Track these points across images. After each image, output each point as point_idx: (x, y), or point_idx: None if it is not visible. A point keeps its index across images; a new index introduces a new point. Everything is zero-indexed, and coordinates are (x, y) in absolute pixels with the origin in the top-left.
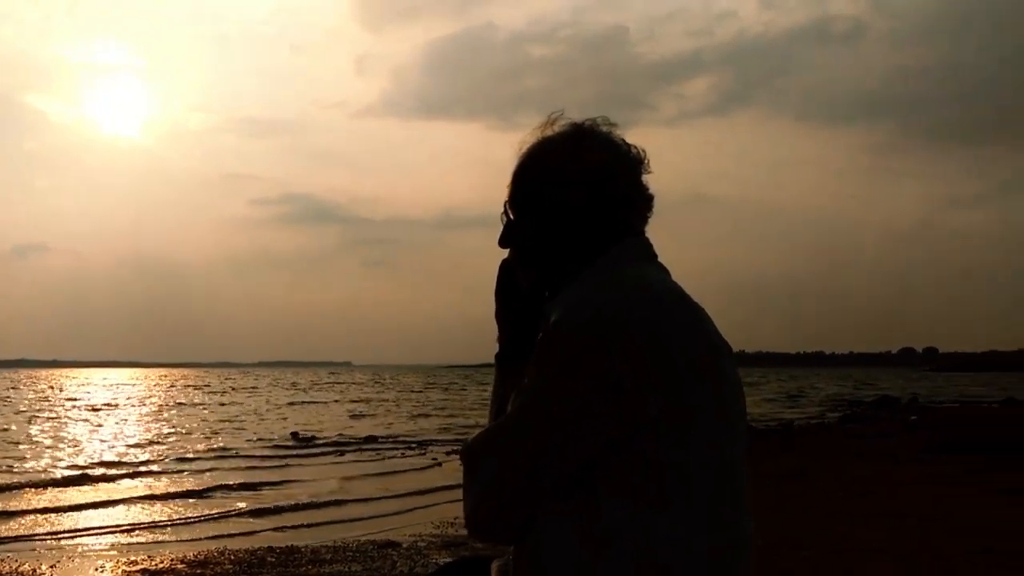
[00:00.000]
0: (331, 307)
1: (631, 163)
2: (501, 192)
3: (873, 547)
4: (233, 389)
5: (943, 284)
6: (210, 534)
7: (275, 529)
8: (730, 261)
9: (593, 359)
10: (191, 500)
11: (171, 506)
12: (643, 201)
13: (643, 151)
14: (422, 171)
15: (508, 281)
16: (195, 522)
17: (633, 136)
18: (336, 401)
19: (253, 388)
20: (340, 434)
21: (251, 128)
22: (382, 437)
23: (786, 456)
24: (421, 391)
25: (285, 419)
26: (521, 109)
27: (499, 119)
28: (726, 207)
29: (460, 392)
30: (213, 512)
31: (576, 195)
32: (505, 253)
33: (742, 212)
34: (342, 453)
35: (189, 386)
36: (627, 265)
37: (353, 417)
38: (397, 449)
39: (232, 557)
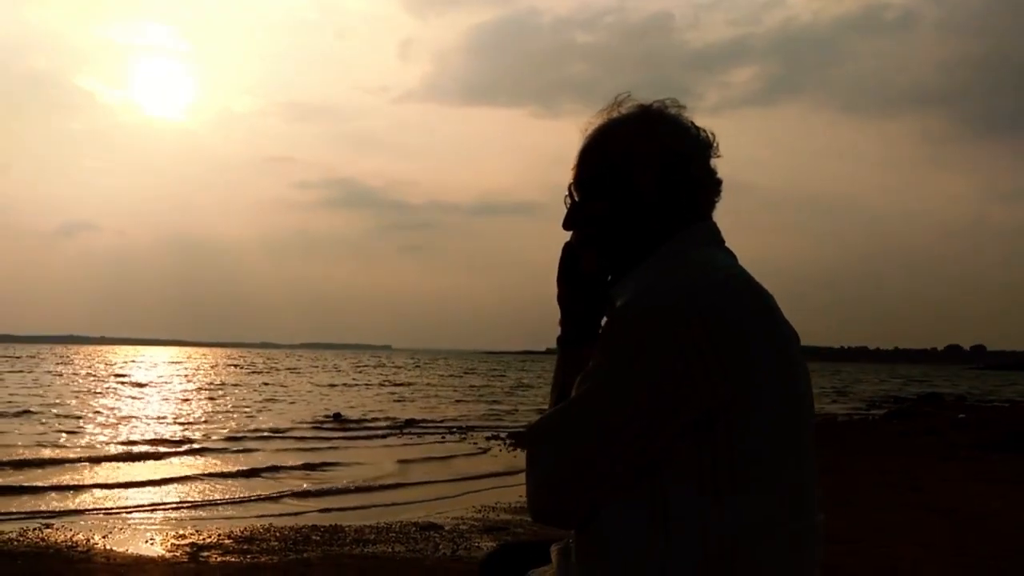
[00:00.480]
0: (371, 291)
1: (701, 146)
2: (542, 178)
3: (922, 542)
4: (275, 369)
5: (992, 280)
6: (256, 512)
7: (320, 510)
8: (771, 251)
9: (663, 344)
10: (239, 479)
11: (219, 484)
12: (712, 185)
13: (712, 134)
14: (463, 156)
15: (571, 264)
16: (242, 501)
17: None
18: (378, 384)
19: (295, 369)
20: (381, 417)
21: (294, 112)
22: (423, 421)
23: (829, 449)
24: (461, 376)
25: (328, 400)
26: (564, 96)
27: (542, 106)
28: (768, 197)
29: (500, 378)
30: (260, 491)
31: (645, 178)
32: (567, 236)
33: (785, 202)
34: (384, 436)
35: (233, 365)
36: (696, 250)
37: (394, 400)
38: (438, 433)
39: (278, 534)
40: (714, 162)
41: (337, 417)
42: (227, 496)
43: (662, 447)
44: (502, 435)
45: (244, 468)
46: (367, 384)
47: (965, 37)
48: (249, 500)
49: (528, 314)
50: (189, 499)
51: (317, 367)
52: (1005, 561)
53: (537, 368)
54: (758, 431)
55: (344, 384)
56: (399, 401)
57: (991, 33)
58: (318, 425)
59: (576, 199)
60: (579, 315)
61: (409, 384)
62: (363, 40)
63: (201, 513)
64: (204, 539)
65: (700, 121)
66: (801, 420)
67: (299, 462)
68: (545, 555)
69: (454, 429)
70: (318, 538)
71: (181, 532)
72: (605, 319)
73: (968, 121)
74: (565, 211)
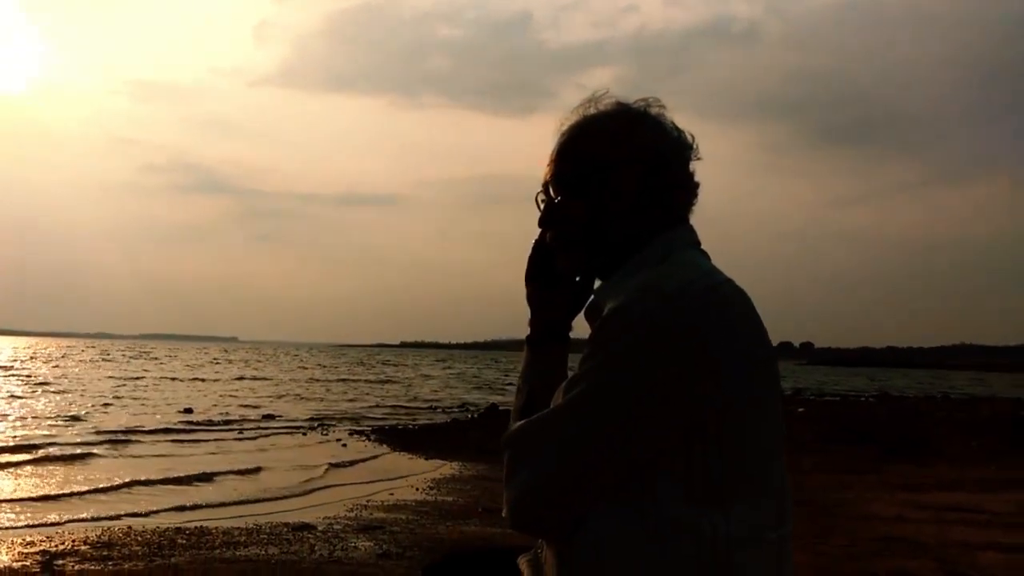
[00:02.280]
0: (219, 281)
1: (683, 147)
2: (403, 170)
3: None
4: (108, 360)
5: (821, 281)
6: (112, 513)
7: (179, 508)
8: None
9: (658, 349)
10: (89, 478)
11: (70, 485)
12: (691, 187)
13: (692, 136)
14: (321, 145)
15: (542, 263)
16: (98, 501)
17: (535, 123)
18: (229, 378)
19: (136, 360)
20: (234, 412)
21: (142, 92)
22: (281, 415)
23: None
24: (319, 369)
25: (176, 394)
26: (425, 87)
27: (404, 95)
28: None
29: (359, 372)
30: (115, 490)
31: (629, 177)
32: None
33: None
34: (240, 432)
35: (67, 357)
36: (680, 252)
37: (250, 394)
38: (298, 428)
39: (139, 538)
40: (692, 164)
41: (188, 413)
42: (80, 494)
43: (654, 454)
44: (365, 429)
45: (95, 466)
46: (216, 378)
47: (806, 52)
48: (104, 499)
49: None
50: (39, 501)
51: (161, 358)
52: (860, 549)
53: (397, 361)
54: (748, 439)
55: (194, 378)
56: (254, 395)
57: (829, 49)
58: (169, 422)
59: (553, 197)
60: (549, 315)
61: (265, 378)
62: (217, 19)
63: (53, 515)
64: (57, 546)
65: (555, 119)
66: (781, 426)
67: (153, 456)
68: (495, 565)
69: (315, 424)
70: (184, 541)
71: (29, 539)
72: (589, 320)
73: (805, 131)
74: (539, 209)
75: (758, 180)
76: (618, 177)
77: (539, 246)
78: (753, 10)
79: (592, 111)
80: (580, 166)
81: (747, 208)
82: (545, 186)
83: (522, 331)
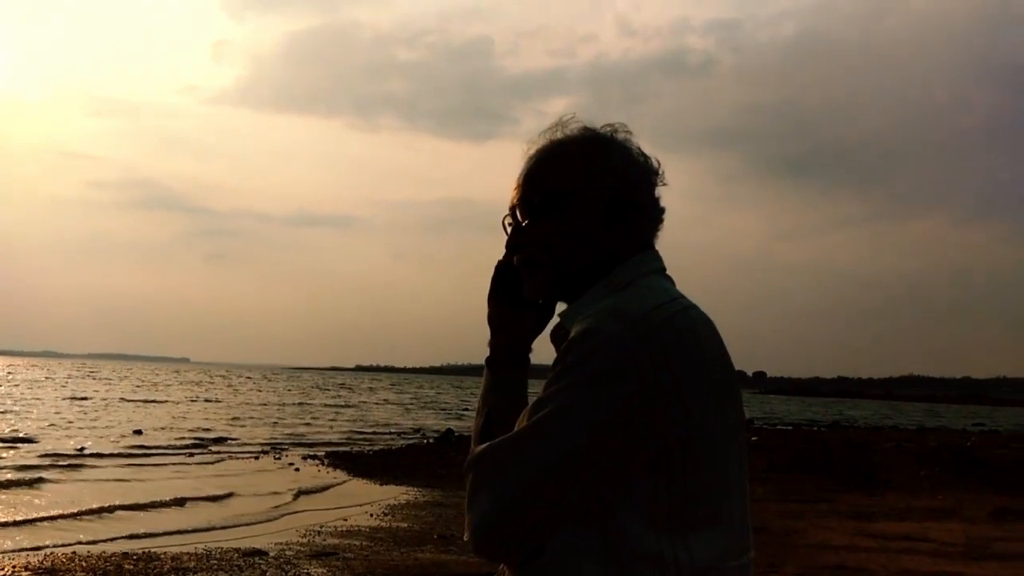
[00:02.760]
0: (170, 300)
1: (650, 173)
2: (358, 192)
3: None
4: (49, 379)
5: (772, 311)
6: (57, 541)
7: (128, 536)
8: None
9: (625, 375)
10: (34, 501)
11: (19, 511)
12: (657, 213)
13: (659, 161)
14: (275, 165)
15: (505, 284)
16: (40, 526)
17: (495, 148)
18: (182, 400)
19: (84, 380)
20: (186, 435)
21: (92, 106)
22: (233, 439)
23: None
24: (272, 393)
25: (126, 417)
26: (383, 111)
27: (360, 118)
28: None
29: (314, 395)
30: (59, 514)
31: (598, 202)
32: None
33: None
34: (191, 455)
35: (11, 375)
36: (647, 278)
37: (201, 417)
38: (251, 452)
39: (84, 564)
40: (658, 190)
41: (138, 435)
42: (22, 520)
43: (618, 480)
44: (319, 454)
45: (40, 489)
46: (167, 399)
47: (758, 85)
48: (47, 524)
49: (337, 330)
50: None
51: (110, 379)
52: None
53: (352, 384)
54: (713, 466)
55: (145, 400)
56: (205, 418)
57: (781, 83)
58: (120, 445)
59: (520, 220)
60: (511, 338)
61: (218, 400)
62: (173, 36)
63: None
64: None
65: (518, 147)
66: (743, 453)
67: (100, 480)
68: None
69: (267, 448)
70: (131, 567)
71: None
72: (555, 343)
73: (757, 162)
74: (506, 233)
75: (710, 210)
76: (586, 201)
77: (502, 267)
78: (707, 43)
79: (559, 135)
80: (548, 190)
81: (700, 238)
82: (512, 209)
83: (479, 356)
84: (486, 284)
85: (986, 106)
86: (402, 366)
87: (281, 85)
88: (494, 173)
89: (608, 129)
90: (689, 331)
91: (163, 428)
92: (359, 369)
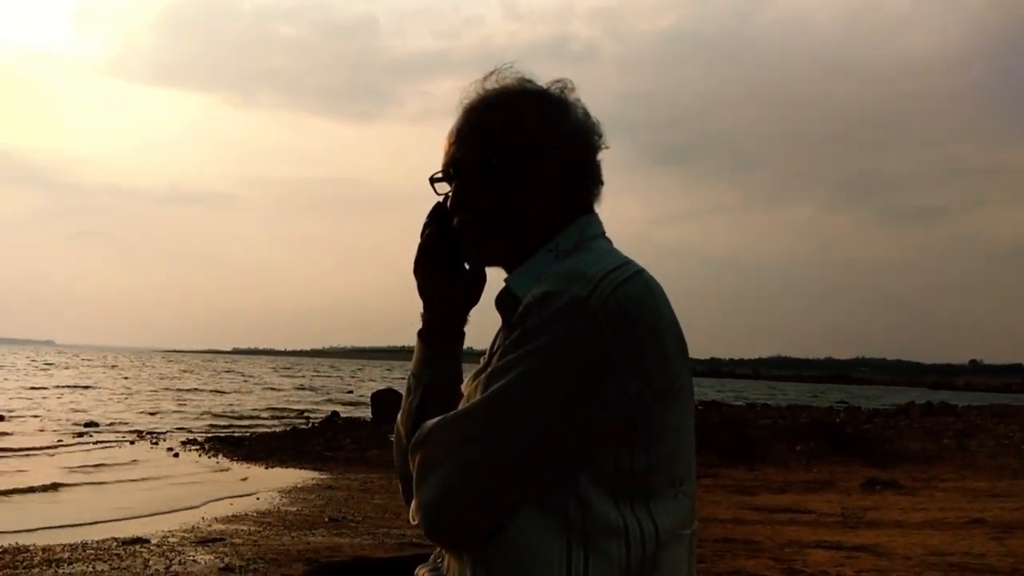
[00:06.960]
0: (33, 279)
1: (598, 136)
2: (235, 169)
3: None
4: None
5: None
6: None
7: None
8: None
9: (592, 334)
10: None
11: None
12: (599, 177)
13: (600, 124)
14: (146, 139)
15: (434, 252)
16: None
17: (379, 129)
18: (47, 384)
19: None
20: (52, 420)
21: None
22: (106, 424)
23: None
24: (146, 375)
25: None
26: (262, 87)
27: (238, 93)
28: None
29: (186, 377)
30: None
31: (555, 163)
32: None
33: None
34: (58, 441)
35: None
36: (595, 240)
37: (69, 401)
38: (124, 437)
39: None
40: (600, 154)
41: (1, 420)
42: None
43: (582, 450)
44: (199, 439)
45: None
46: (31, 384)
47: (640, 74)
48: None
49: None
50: None
51: None
52: (702, 551)
53: (230, 368)
54: (672, 431)
55: (4, 383)
56: (74, 403)
57: (662, 72)
58: None
59: (460, 179)
60: (445, 308)
61: (87, 385)
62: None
63: None
64: None
65: (402, 129)
66: (693, 420)
67: None
68: None
69: (144, 433)
70: None
71: None
72: (502, 311)
73: (636, 150)
74: (436, 192)
75: None
76: (541, 163)
77: (432, 235)
78: (592, 31)
79: (495, 85)
80: (499, 147)
81: None
82: (448, 167)
83: (361, 338)
84: (368, 266)
85: (846, 99)
86: (282, 348)
87: (153, 57)
88: (378, 153)
89: (558, 86)
90: (648, 293)
91: (28, 416)
92: (236, 352)
